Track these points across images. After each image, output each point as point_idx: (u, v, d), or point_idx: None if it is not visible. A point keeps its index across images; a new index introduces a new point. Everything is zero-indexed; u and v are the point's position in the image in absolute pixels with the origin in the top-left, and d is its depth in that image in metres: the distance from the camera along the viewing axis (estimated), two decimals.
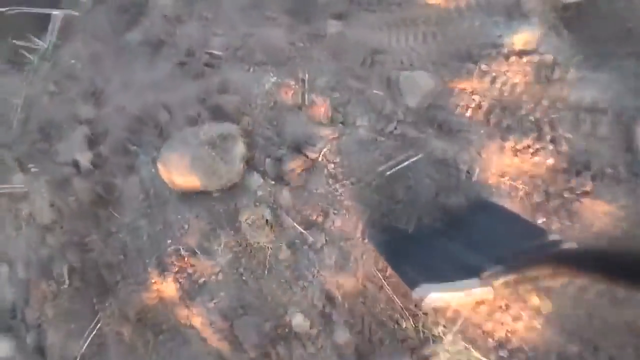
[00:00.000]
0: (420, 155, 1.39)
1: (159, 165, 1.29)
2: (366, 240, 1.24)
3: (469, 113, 1.43)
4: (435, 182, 1.31)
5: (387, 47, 1.58)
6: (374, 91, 1.59)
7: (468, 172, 1.31)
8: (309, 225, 1.29)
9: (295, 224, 1.24)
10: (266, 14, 1.63)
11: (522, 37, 1.40)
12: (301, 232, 1.23)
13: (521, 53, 1.43)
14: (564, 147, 1.23)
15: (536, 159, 1.26)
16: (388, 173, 1.36)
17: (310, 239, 1.23)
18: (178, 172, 1.24)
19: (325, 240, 1.24)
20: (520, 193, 1.21)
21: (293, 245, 1.22)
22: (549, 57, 1.40)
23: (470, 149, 1.34)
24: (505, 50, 1.43)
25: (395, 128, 1.48)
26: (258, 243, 1.18)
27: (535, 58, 1.38)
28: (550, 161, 1.25)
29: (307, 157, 1.35)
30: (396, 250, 1.06)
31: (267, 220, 1.21)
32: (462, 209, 1.20)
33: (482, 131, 1.35)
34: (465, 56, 1.51)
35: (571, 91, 1.31)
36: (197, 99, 1.47)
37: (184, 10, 1.66)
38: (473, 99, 1.44)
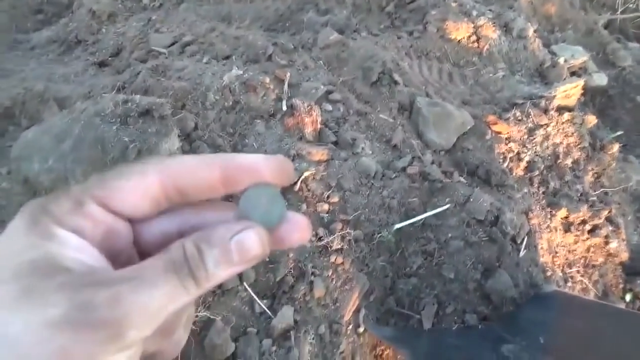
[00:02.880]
0: (448, 206, 1.43)
1: None
2: (361, 329, 1.21)
3: (507, 163, 1.68)
4: (470, 248, 1.35)
5: (403, 68, 1.83)
6: (381, 115, 1.85)
7: (514, 240, 1.34)
8: (267, 290, 1.25)
9: (245, 286, 1.20)
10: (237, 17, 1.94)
11: (562, 91, 1.78)
12: (252, 300, 1.20)
13: (560, 108, 1.79)
14: (622, 233, 1.40)
15: (594, 240, 1.38)
16: (399, 227, 1.40)
17: (268, 314, 1.19)
18: None
19: (295, 321, 1.16)
20: (577, 287, 1.31)
21: (240, 326, 1.14)
22: (591, 118, 1.77)
23: (515, 208, 1.42)
24: (542, 103, 1.80)
25: (411, 164, 1.58)
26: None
27: (577, 117, 1.74)
28: (614, 245, 1.37)
29: None
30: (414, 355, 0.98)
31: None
32: (519, 296, 1.20)
33: (525, 190, 1.50)
34: (497, 99, 1.89)
35: (617, 168, 1.63)
36: (111, 88, 1.50)
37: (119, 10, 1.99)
38: (510, 147, 1.73)
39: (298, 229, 0.23)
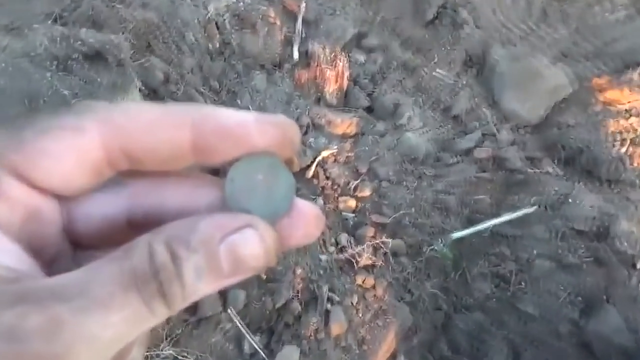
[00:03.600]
0: (533, 209, 1.44)
1: None
2: None
3: (624, 148, 1.54)
4: (564, 271, 1.34)
5: (474, 2, 1.78)
6: (438, 71, 1.79)
7: (631, 263, 1.33)
8: (262, 321, 1.28)
9: (231, 313, 1.22)
10: None
11: None
12: (240, 335, 1.22)
13: None
14: None
15: None
16: (459, 236, 1.43)
17: (261, 355, 1.21)
18: None
19: None
20: None
21: None
22: None
23: (635, 215, 1.40)
24: None
25: (480, 144, 1.59)
26: None
27: None
28: None
29: None
30: None
31: None
32: (635, 345, 1.24)
33: None
34: (611, 53, 1.75)
35: None
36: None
37: None
38: (630, 125, 1.60)
39: (303, 222, 0.22)
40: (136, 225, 0.22)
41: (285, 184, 0.22)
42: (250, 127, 0.21)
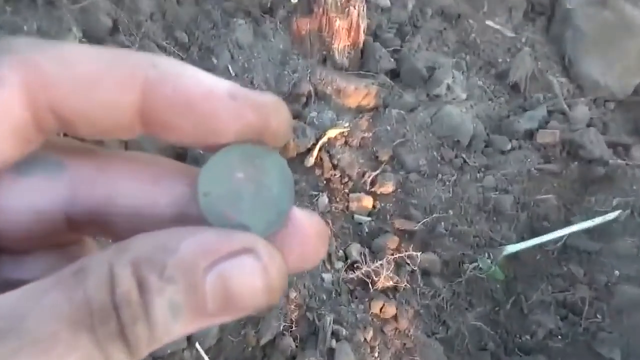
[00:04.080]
0: (617, 213, 1.41)
1: None
2: None
3: None
4: None
5: None
6: (489, 23, 1.75)
7: None
8: None
9: (199, 352, 1.21)
10: None
11: None
12: None
13: None
14: None
15: None
16: (514, 250, 1.41)
17: None
18: None
19: None
20: None
21: None
22: None
23: None
24: None
25: (547, 124, 1.57)
26: None
27: None
28: None
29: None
30: None
31: None
32: None
33: None
34: None
35: None
36: None
37: None
38: None
39: (298, 241, 0.22)
40: (77, 224, 0.22)
41: (278, 186, 0.22)
42: (218, 105, 0.20)
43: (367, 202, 1.43)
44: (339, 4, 1.54)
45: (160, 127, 0.21)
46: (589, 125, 1.53)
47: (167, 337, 0.19)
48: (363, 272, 1.32)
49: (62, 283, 0.18)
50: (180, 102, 0.20)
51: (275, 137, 0.21)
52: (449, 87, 1.57)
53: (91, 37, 1.39)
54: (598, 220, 1.39)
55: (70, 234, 0.23)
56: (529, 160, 1.50)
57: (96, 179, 0.22)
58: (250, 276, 0.19)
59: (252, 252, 0.20)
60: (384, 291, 1.34)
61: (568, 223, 1.41)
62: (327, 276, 1.33)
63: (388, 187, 1.46)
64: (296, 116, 1.52)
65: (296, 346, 1.23)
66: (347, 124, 1.49)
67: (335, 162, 1.46)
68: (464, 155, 1.52)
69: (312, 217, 0.23)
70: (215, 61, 1.51)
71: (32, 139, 0.21)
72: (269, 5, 1.60)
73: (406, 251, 1.37)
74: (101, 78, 0.20)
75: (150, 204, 0.22)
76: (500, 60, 1.67)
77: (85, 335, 0.17)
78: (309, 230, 0.22)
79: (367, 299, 1.32)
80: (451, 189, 1.48)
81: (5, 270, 0.22)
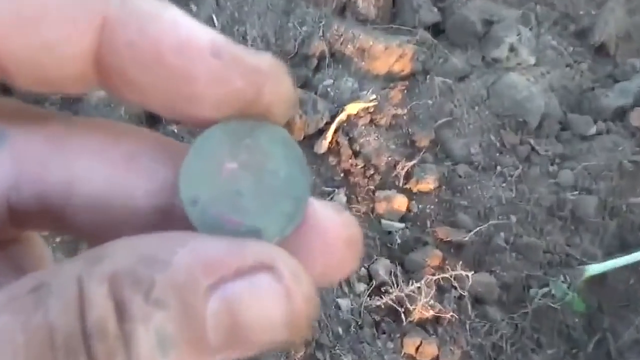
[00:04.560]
0: None
1: None
2: None
3: None
4: None
5: None
6: None
7: None
8: None
9: None
10: None
11: None
12: None
13: None
14: None
15: None
16: (596, 271, 1.42)
17: None
18: None
19: None
20: None
21: None
22: None
23: None
24: None
25: None
26: None
27: None
28: None
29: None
30: None
31: None
32: None
33: None
34: None
35: None
36: None
37: None
38: None
39: (322, 248, 0.22)
40: (21, 216, 0.22)
41: (286, 168, 0.22)
42: (196, 62, 0.20)
43: (400, 203, 1.42)
44: None
45: (120, 82, 0.21)
46: None
47: None
48: (393, 297, 1.33)
49: (14, 304, 0.18)
50: (146, 50, 0.20)
51: (269, 113, 0.21)
52: (512, 49, 1.56)
53: None
54: None
55: (11, 228, 0.22)
56: (620, 148, 1.49)
57: (49, 156, 0.22)
58: (267, 302, 0.19)
59: (270, 269, 0.19)
60: (422, 324, 1.35)
61: None
62: (344, 302, 1.34)
63: (428, 183, 1.44)
64: (304, 85, 1.56)
65: None
66: (373, 97, 1.46)
67: (357, 148, 1.44)
68: (531, 141, 1.51)
69: (339, 212, 0.22)
70: (194, 8, 1.52)
71: None
72: None
73: (452, 270, 1.36)
74: (47, 11, 0.19)
75: (122, 193, 0.21)
76: (582, 12, 1.66)
77: None
78: (334, 231, 0.21)
79: (398, 335, 1.33)
80: (514, 187, 1.47)
81: None
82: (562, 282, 1.38)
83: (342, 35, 1.50)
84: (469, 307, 1.36)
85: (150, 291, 0.17)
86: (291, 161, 0.22)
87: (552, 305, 1.36)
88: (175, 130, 1.52)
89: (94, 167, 0.22)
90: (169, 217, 0.21)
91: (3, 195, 0.22)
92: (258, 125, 0.21)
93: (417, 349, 1.31)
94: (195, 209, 0.21)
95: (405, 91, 1.49)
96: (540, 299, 1.36)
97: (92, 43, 0.19)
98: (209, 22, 1.51)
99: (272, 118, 0.21)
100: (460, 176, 1.43)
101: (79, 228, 0.22)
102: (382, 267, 1.35)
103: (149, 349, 0.17)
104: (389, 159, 1.42)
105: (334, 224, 0.22)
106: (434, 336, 1.33)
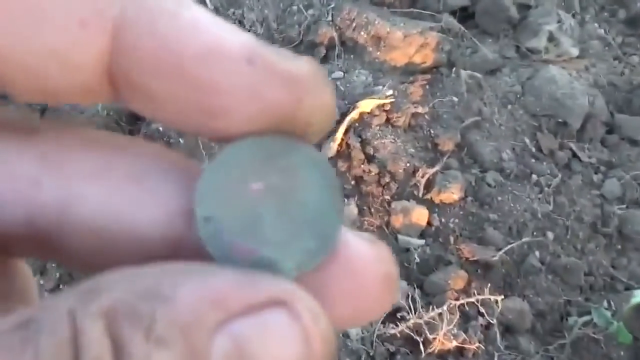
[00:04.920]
0: None
1: None
2: None
3: None
4: None
5: None
6: None
7: None
8: None
9: None
10: None
11: None
12: None
13: None
14: None
15: None
16: None
17: None
18: None
19: None
20: None
21: None
22: None
23: None
24: None
25: None
26: None
27: None
28: None
29: None
30: None
31: None
32: None
33: None
34: None
35: None
36: None
37: None
38: None
39: (357, 283, 0.22)
40: (7, 240, 0.22)
41: (317, 199, 0.22)
42: (227, 71, 0.20)
43: (420, 215, 1.43)
44: None
45: (134, 93, 0.21)
46: None
47: None
48: (411, 325, 1.34)
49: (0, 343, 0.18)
50: (165, 58, 0.20)
51: (309, 127, 0.21)
52: (551, 37, 1.55)
53: None
54: None
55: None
56: None
57: (41, 175, 0.22)
58: (281, 343, 0.19)
59: (284, 305, 0.19)
60: (443, 356, 1.36)
61: None
62: (353, 330, 1.35)
63: (452, 194, 1.43)
64: None
65: None
66: (389, 92, 1.45)
67: (371, 152, 1.44)
68: (573, 146, 1.50)
69: (373, 244, 0.22)
70: None
71: None
72: None
73: (479, 294, 1.37)
74: (51, 12, 0.19)
75: (124, 218, 0.21)
76: None
77: None
78: (369, 268, 0.21)
79: None
80: (552, 199, 1.46)
81: None
82: (606, 309, 1.38)
83: (354, 20, 1.51)
84: (498, 337, 1.36)
85: (151, 328, 0.17)
86: (325, 192, 0.22)
87: (594, 335, 1.36)
88: (160, 129, 1.53)
89: (93, 189, 0.22)
90: (178, 249, 0.21)
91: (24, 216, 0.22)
92: (292, 145, 0.21)
93: None
94: (209, 227, 0.21)
95: (427, 86, 1.49)
96: (580, 329, 1.37)
97: (103, 48, 0.19)
98: (200, 2, 1.53)
99: (309, 134, 0.21)
100: (489, 185, 1.42)
101: (72, 255, 0.22)
102: (400, 290, 1.34)
103: None
104: (408, 164, 1.42)
105: (368, 259, 0.21)
106: None
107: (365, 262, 0.21)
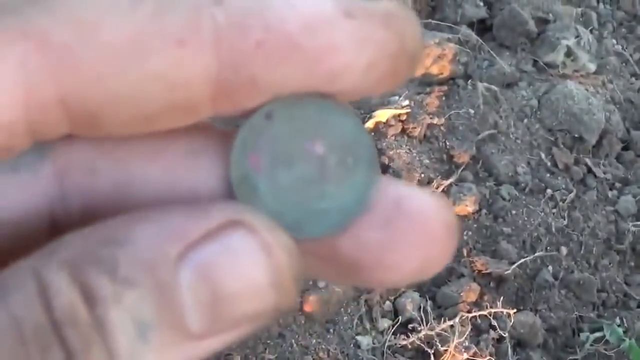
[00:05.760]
0: None
1: None
2: None
3: None
4: None
5: None
6: None
7: None
8: None
9: None
10: None
11: None
12: None
13: None
14: None
15: None
16: None
17: None
18: None
19: None
20: None
21: None
22: None
23: None
24: None
25: None
26: None
27: None
28: None
29: None
30: None
31: None
32: None
33: None
34: None
35: None
36: None
37: None
38: None
39: (422, 234, 0.21)
40: (66, 229, 0.20)
41: (354, 152, 0.21)
42: (336, 31, 0.19)
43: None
44: None
45: (247, 91, 0.20)
46: None
47: None
48: (422, 336, 1.33)
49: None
50: (277, 44, 0.19)
51: (413, 61, 0.20)
52: (569, 52, 1.56)
53: None
54: None
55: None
56: None
57: (98, 161, 0.22)
58: (244, 261, 0.19)
59: (240, 225, 0.19)
60: None
61: None
62: (364, 340, 1.35)
63: (466, 206, 1.42)
64: None
65: None
66: (405, 103, 1.45)
67: (386, 162, 1.44)
68: (588, 161, 1.51)
69: (435, 197, 0.21)
70: None
71: (17, 143, 0.20)
72: None
73: (491, 308, 1.36)
74: (149, 37, 0.19)
75: (184, 197, 0.21)
76: None
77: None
78: (435, 218, 0.21)
79: None
80: (566, 214, 1.46)
81: None
82: (618, 326, 1.38)
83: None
84: (510, 351, 1.36)
85: (115, 272, 0.17)
86: (361, 158, 0.21)
87: (605, 352, 1.36)
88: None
89: (151, 169, 0.22)
90: None
91: (48, 214, 0.22)
92: (341, 108, 0.21)
93: None
94: (238, 160, 0.21)
95: (443, 98, 1.49)
96: (591, 345, 1.37)
97: (207, 62, 0.19)
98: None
99: (413, 67, 0.20)
100: (504, 199, 1.42)
101: None
102: (410, 301, 1.35)
103: (126, 334, 0.17)
104: (422, 176, 1.42)
105: (432, 209, 0.21)
106: None
107: (430, 213, 0.20)
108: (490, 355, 1.33)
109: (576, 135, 1.49)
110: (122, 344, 0.17)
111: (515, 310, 1.35)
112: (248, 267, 0.18)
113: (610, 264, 1.43)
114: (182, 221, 0.19)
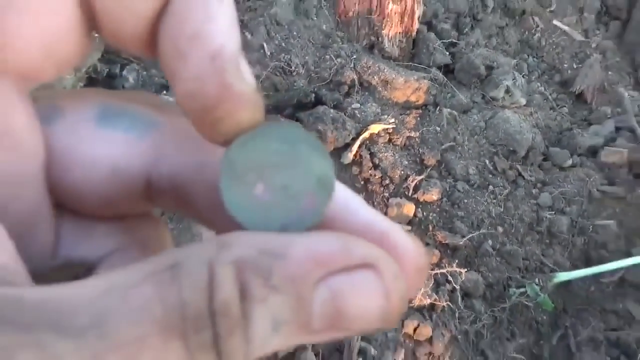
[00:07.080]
0: None
1: None
2: None
3: None
4: None
5: None
6: (557, 21, 1.92)
7: None
8: None
9: None
10: None
11: None
12: None
13: None
14: None
15: None
16: (565, 278, 1.50)
17: None
18: None
19: None
20: None
21: None
22: None
23: None
24: None
25: (613, 140, 1.69)
26: None
27: None
28: None
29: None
30: None
31: None
32: None
33: None
34: None
35: None
36: None
37: None
38: None
39: (402, 269, 0.21)
40: (157, 193, 0.23)
41: (323, 177, 0.21)
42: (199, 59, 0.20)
43: (409, 209, 1.48)
44: None
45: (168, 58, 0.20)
46: None
47: (262, 352, 0.19)
48: None
49: (154, 278, 0.18)
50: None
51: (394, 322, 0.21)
52: (508, 90, 1.64)
53: None
54: None
55: (145, 204, 0.23)
56: (590, 179, 1.55)
57: (185, 142, 0.23)
58: (367, 298, 0.19)
59: (372, 267, 0.20)
60: (420, 310, 1.40)
61: (628, 254, 1.43)
62: None
63: (432, 195, 1.50)
64: (336, 106, 1.56)
65: None
66: (392, 120, 1.53)
67: (376, 162, 1.50)
68: (519, 167, 1.60)
69: (414, 241, 0.22)
70: (249, 37, 1.57)
71: (83, 39, 0.20)
72: None
73: (448, 267, 1.42)
74: None
75: None
76: (565, 65, 1.74)
77: (177, 344, 0.18)
78: (411, 258, 0.22)
79: (400, 318, 1.38)
80: (502, 204, 1.55)
81: (66, 247, 0.23)
82: (536, 285, 1.45)
83: (370, 67, 1.59)
84: (459, 299, 1.42)
85: (268, 278, 0.19)
86: (319, 176, 0.22)
87: (526, 303, 1.44)
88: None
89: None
90: None
91: (146, 172, 0.23)
92: (303, 133, 0.22)
93: (414, 330, 1.38)
94: (227, 177, 0.21)
95: (419, 118, 1.58)
96: (517, 298, 1.44)
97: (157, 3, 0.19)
98: (260, 49, 1.58)
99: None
100: (459, 191, 1.52)
101: (200, 210, 0.23)
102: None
103: (263, 327, 0.19)
104: (402, 172, 1.50)
105: (411, 251, 0.22)
106: (429, 321, 1.39)
107: (409, 253, 0.22)
108: (446, 301, 1.41)
109: (511, 149, 1.59)
110: (258, 334, 0.18)
111: (464, 270, 1.43)
112: (369, 303, 0.19)
113: (531, 240, 1.54)
114: (329, 253, 0.19)
